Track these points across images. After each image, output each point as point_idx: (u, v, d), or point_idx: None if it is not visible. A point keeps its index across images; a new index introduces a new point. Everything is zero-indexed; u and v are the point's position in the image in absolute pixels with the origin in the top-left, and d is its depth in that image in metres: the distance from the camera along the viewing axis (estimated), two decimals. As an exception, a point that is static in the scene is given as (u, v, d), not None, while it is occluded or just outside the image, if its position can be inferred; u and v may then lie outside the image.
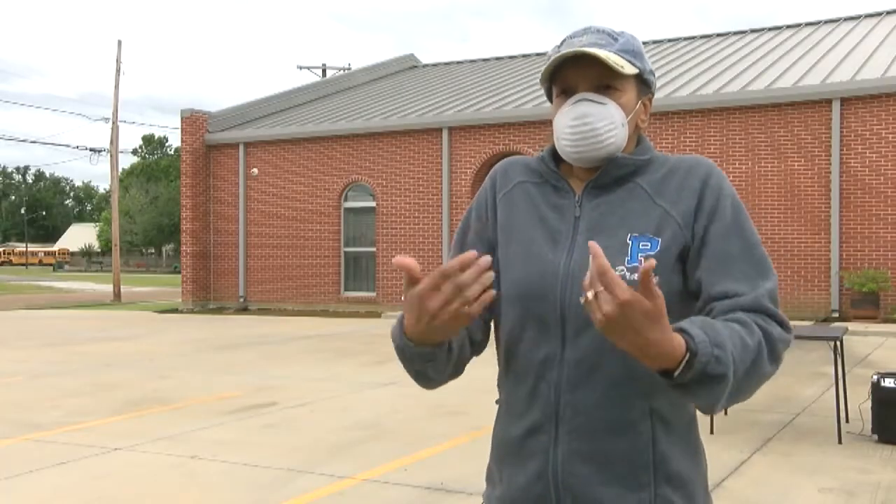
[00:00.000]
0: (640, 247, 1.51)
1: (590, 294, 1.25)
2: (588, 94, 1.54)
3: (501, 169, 1.71)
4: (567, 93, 1.57)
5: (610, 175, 1.57)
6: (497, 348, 1.67)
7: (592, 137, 1.53)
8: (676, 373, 1.30)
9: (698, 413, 1.57)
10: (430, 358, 1.47)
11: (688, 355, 1.30)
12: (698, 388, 1.33)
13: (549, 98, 1.65)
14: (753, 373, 1.39)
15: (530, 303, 1.55)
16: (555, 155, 1.66)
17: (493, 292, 1.33)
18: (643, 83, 1.61)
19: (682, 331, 1.32)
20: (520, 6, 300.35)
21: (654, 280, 1.24)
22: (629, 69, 1.54)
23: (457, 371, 1.59)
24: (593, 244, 1.26)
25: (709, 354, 1.30)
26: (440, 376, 1.54)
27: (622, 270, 1.49)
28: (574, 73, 1.55)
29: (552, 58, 1.55)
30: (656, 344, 1.27)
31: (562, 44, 1.59)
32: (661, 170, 1.58)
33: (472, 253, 1.33)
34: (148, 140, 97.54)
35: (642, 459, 1.49)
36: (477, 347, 1.65)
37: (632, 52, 1.57)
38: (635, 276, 1.47)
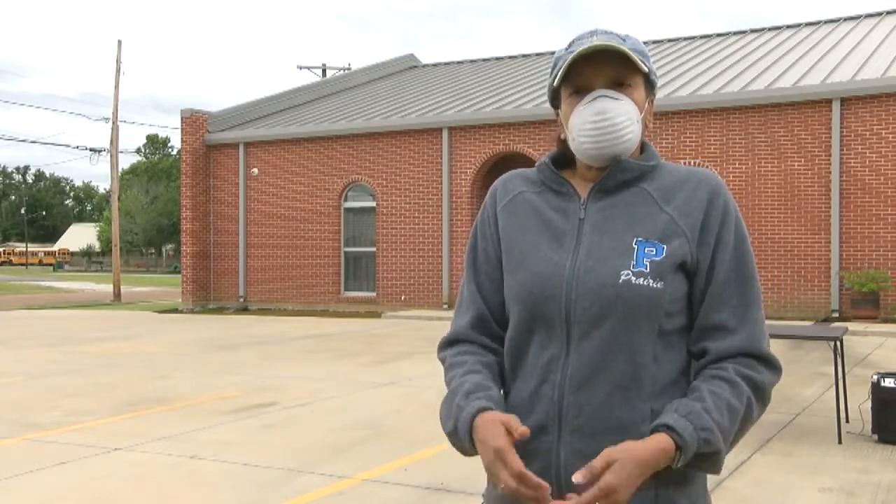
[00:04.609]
0: (646, 252, 1.52)
1: None
2: (605, 91, 1.55)
3: (501, 183, 1.73)
4: (580, 92, 1.58)
5: (615, 179, 1.58)
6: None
7: (613, 133, 1.54)
8: (674, 465, 1.44)
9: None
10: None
11: (679, 453, 1.43)
12: (698, 464, 1.47)
13: (552, 103, 1.65)
14: (745, 426, 1.51)
15: (536, 304, 1.56)
16: (555, 161, 1.67)
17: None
18: (649, 83, 1.63)
19: (668, 428, 1.43)
20: (523, 5, 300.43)
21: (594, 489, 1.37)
22: (642, 66, 1.57)
23: None
24: (577, 478, 1.38)
25: (696, 440, 1.43)
26: None
27: (627, 274, 1.50)
28: (589, 71, 1.56)
29: (573, 53, 1.55)
30: (654, 465, 1.42)
31: (570, 45, 1.59)
32: (670, 178, 1.60)
33: (545, 486, 1.41)
34: (152, 139, 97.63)
35: None
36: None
37: (640, 53, 1.59)
38: (641, 281, 1.49)
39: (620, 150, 1.56)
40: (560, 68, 1.57)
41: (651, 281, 1.50)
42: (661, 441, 1.42)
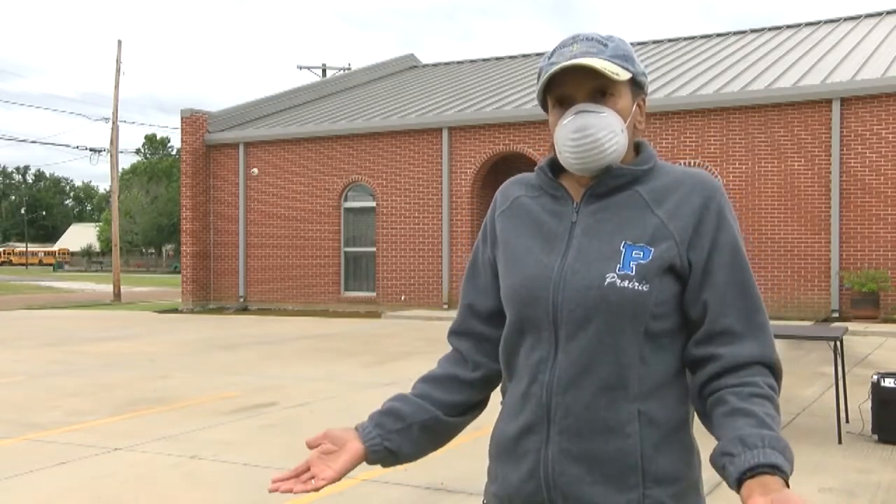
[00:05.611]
0: (633, 255, 1.52)
1: None
2: (585, 105, 1.54)
3: (501, 189, 1.76)
4: (563, 103, 1.58)
5: (606, 185, 1.59)
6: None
7: (595, 148, 1.53)
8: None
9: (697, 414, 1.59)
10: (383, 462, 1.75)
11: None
12: None
13: (544, 108, 1.65)
14: None
15: (524, 306, 1.57)
16: (553, 164, 1.68)
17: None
18: (636, 85, 1.61)
19: (775, 468, 1.39)
20: (523, 5, 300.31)
21: None
22: (623, 75, 1.55)
23: (436, 441, 1.76)
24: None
25: (789, 467, 1.43)
26: (425, 450, 1.77)
27: (612, 277, 1.51)
28: (569, 83, 1.55)
29: (546, 71, 1.55)
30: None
31: (552, 54, 1.59)
32: (666, 179, 1.59)
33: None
34: (151, 140, 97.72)
35: (630, 461, 1.50)
36: (474, 405, 1.77)
37: (623, 57, 1.57)
38: (625, 283, 1.50)
39: (605, 163, 1.55)
40: (541, 82, 1.57)
41: (636, 284, 1.50)
42: (776, 483, 1.36)
